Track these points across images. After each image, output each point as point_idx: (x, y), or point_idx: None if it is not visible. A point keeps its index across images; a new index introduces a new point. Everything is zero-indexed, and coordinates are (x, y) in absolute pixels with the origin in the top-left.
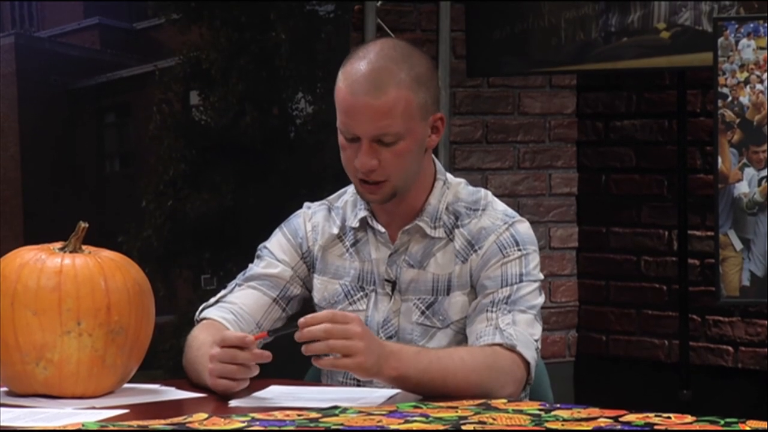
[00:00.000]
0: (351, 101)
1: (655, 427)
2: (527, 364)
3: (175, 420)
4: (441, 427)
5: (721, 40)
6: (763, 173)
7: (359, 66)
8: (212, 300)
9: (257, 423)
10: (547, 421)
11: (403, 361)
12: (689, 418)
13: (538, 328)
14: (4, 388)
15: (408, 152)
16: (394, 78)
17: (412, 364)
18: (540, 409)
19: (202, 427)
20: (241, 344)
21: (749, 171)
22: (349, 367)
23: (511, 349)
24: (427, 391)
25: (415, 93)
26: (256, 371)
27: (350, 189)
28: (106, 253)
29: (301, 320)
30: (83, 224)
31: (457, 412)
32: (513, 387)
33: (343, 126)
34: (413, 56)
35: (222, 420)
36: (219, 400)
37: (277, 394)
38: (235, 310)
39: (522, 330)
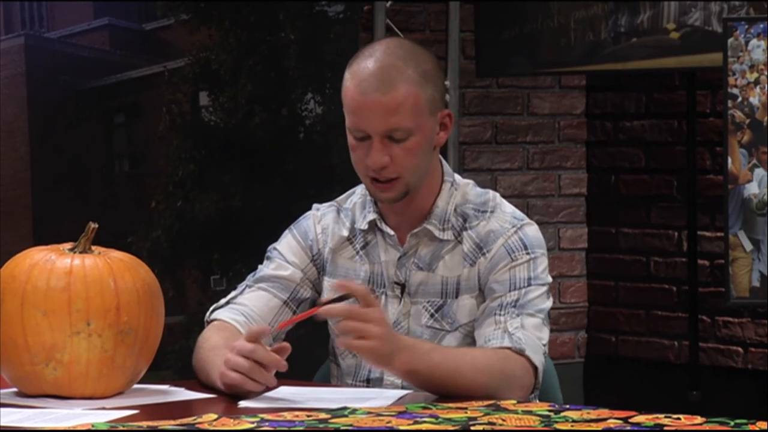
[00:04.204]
0: (360, 100)
1: (665, 428)
2: (535, 368)
3: (185, 420)
4: (450, 428)
5: (730, 40)
6: None
7: (366, 65)
8: (222, 301)
9: (267, 424)
10: (556, 422)
11: (415, 356)
12: (699, 419)
13: (546, 332)
14: (14, 389)
15: (418, 148)
16: (401, 74)
17: (424, 360)
18: (549, 410)
19: (211, 428)
20: (261, 332)
21: (759, 171)
22: (362, 349)
23: (520, 353)
24: (436, 388)
25: (423, 89)
26: (272, 381)
27: (358, 190)
28: (116, 254)
29: (338, 282)
30: (93, 225)
31: (466, 413)
32: (521, 392)
33: (352, 125)
34: (419, 54)
35: (231, 420)
36: (229, 400)
37: (286, 394)
38: (245, 312)
39: (530, 334)
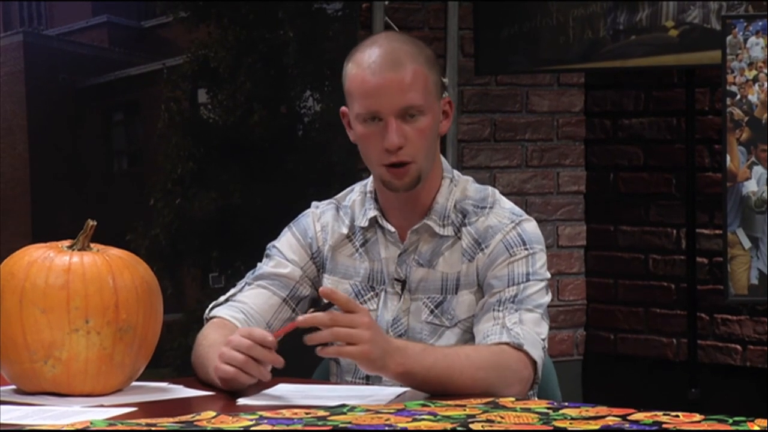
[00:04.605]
0: (372, 81)
1: (664, 426)
2: (534, 363)
3: (183, 418)
4: (449, 426)
5: (729, 38)
6: None
7: (371, 51)
8: (222, 299)
9: (265, 421)
10: (555, 419)
11: (409, 357)
12: (697, 417)
13: (544, 327)
14: (13, 387)
15: (429, 130)
16: (408, 55)
17: (417, 360)
18: (548, 408)
19: (210, 425)
20: (262, 342)
21: (758, 169)
22: (354, 355)
23: (518, 348)
24: (433, 388)
25: (429, 70)
26: (267, 375)
27: (357, 187)
28: (115, 251)
29: (323, 289)
30: (91, 222)
31: (465, 410)
32: (519, 386)
33: (364, 109)
34: (417, 42)
35: (230, 418)
36: (227, 398)
37: (285, 392)
38: (245, 310)
39: (529, 329)
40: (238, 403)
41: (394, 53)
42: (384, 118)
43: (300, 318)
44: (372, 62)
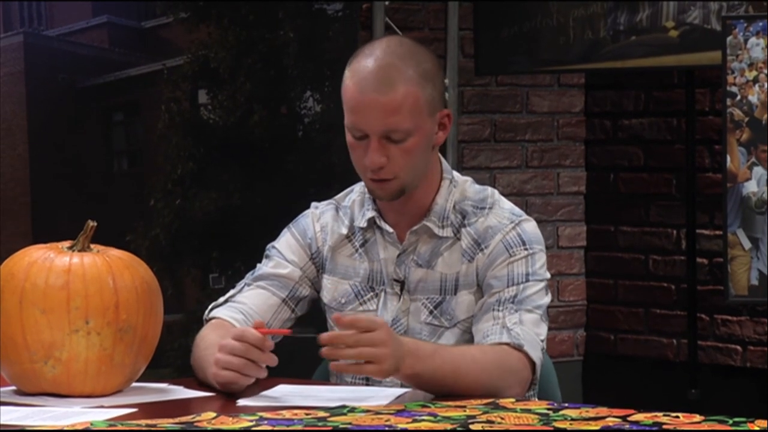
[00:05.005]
0: (359, 98)
1: (664, 427)
2: (533, 364)
3: (184, 419)
4: (449, 426)
5: (729, 38)
6: None
7: (366, 63)
8: (221, 299)
9: (265, 422)
10: (555, 420)
11: (419, 360)
12: (697, 418)
13: (544, 328)
14: (13, 387)
15: (416, 149)
16: (401, 74)
17: (427, 364)
18: (548, 409)
19: (210, 426)
20: (259, 345)
21: (758, 170)
22: (374, 373)
23: (519, 348)
24: (438, 389)
25: (423, 89)
26: (263, 373)
27: (357, 188)
28: (115, 252)
29: (336, 316)
30: (91, 223)
31: (465, 411)
32: (519, 387)
33: (351, 124)
34: (419, 53)
35: (230, 419)
36: (227, 399)
37: (285, 393)
38: (244, 310)
39: (529, 330)
40: (238, 404)
41: (386, 71)
42: (368, 135)
43: (324, 336)
44: (363, 78)
